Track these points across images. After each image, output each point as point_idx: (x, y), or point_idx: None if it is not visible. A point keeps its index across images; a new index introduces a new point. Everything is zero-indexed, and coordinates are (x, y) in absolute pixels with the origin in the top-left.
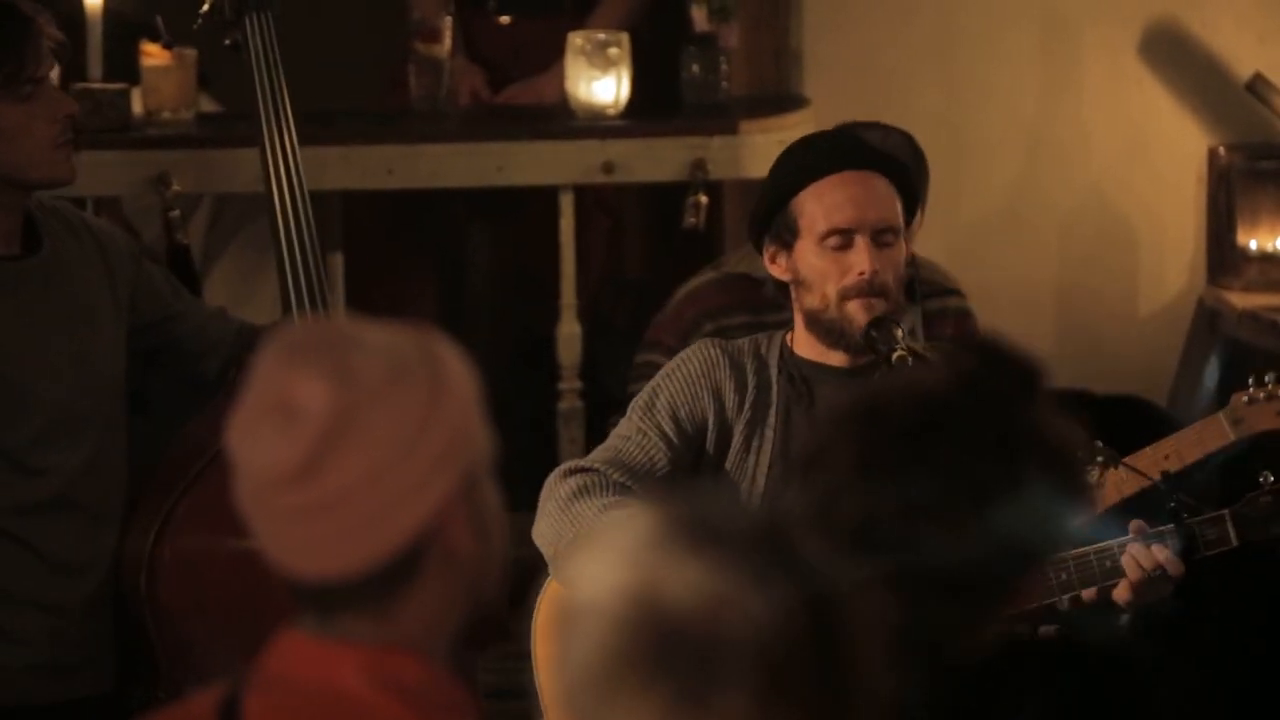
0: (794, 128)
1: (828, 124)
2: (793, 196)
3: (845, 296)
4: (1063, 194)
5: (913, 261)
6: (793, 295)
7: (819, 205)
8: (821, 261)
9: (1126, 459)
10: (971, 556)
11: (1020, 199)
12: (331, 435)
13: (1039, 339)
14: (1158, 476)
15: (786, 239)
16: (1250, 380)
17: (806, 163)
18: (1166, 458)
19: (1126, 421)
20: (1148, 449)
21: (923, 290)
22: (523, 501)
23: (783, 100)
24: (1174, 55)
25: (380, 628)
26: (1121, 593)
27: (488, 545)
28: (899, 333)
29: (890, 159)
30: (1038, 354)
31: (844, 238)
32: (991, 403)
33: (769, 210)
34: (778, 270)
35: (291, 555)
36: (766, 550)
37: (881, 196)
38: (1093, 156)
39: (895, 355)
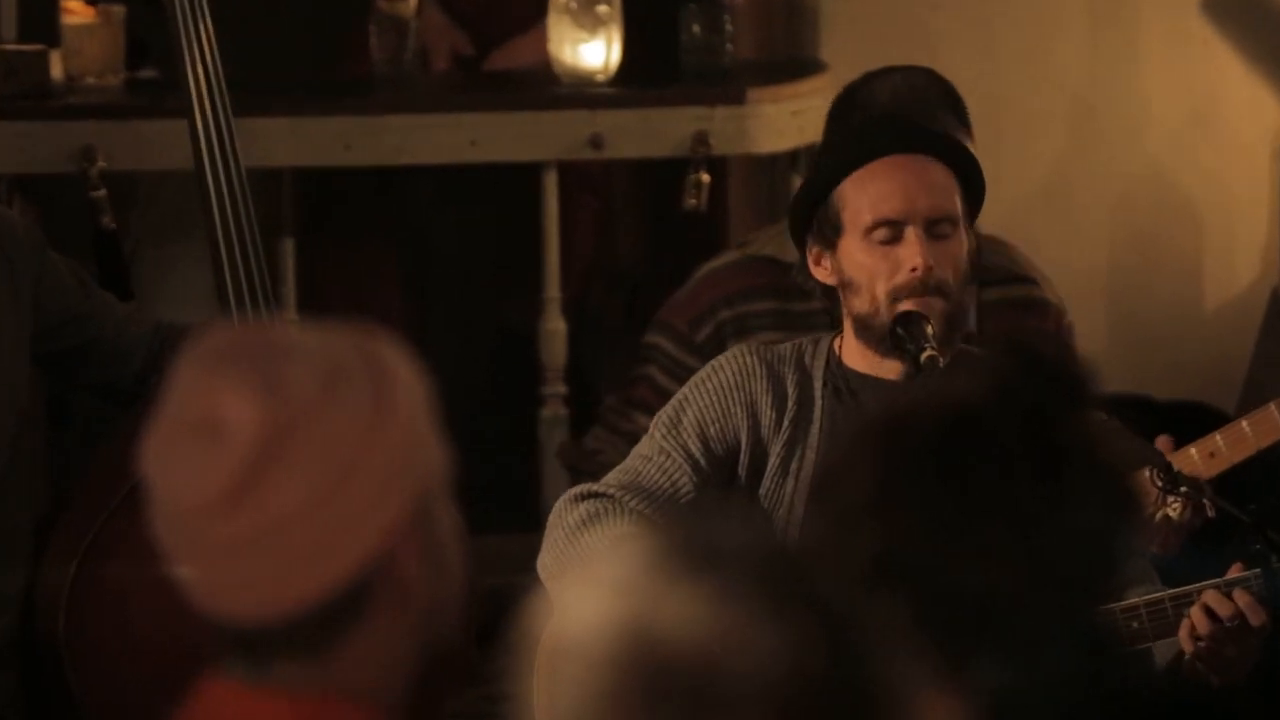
0: (809, 95)
1: None
2: (834, 188)
3: (897, 297)
4: (1116, 172)
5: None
6: (841, 301)
7: (863, 195)
8: (869, 258)
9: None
10: (1009, 588)
11: (1067, 178)
12: (262, 457)
13: (1089, 337)
14: (1204, 478)
15: (829, 236)
16: None
17: (847, 149)
18: (1213, 455)
19: (1191, 432)
20: (1192, 446)
21: (982, 276)
22: (503, 523)
23: (796, 64)
24: (1244, 11)
25: (321, 674)
26: (1185, 645)
27: (444, 577)
28: (929, 329)
29: (948, 140)
30: (1086, 356)
31: (893, 230)
32: (1030, 414)
33: (809, 205)
34: (822, 274)
35: (218, 594)
36: (775, 579)
37: (935, 182)
38: (1151, 129)
39: (924, 355)
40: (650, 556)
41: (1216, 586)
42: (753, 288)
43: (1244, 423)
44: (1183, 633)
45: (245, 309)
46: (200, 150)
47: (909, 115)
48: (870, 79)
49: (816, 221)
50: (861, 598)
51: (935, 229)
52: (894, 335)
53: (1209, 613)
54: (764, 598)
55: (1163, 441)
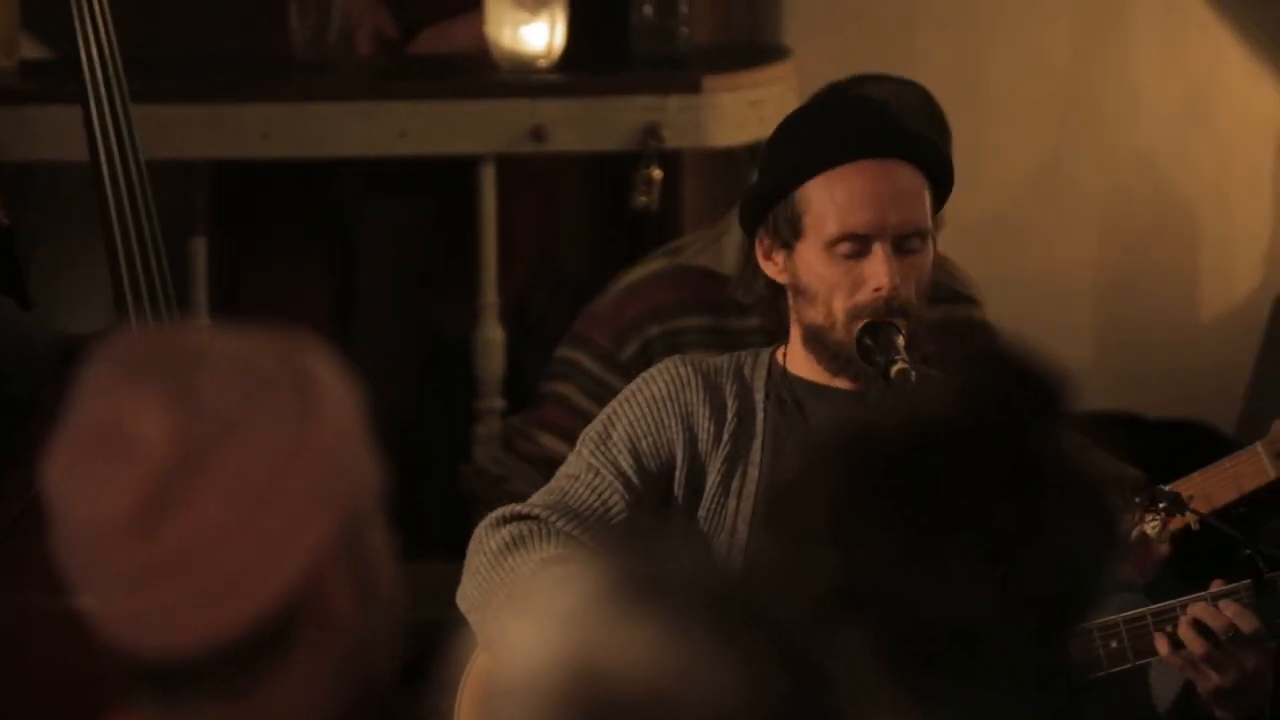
0: (769, 84)
1: (812, 81)
2: (798, 185)
3: (857, 315)
4: (1105, 169)
5: None
6: (789, 302)
7: (830, 202)
8: (829, 270)
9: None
10: (979, 616)
11: (1052, 175)
12: (175, 474)
13: (1075, 349)
14: (1223, 521)
15: (786, 236)
16: None
17: (817, 144)
18: (1191, 498)
19: (1185, 452)
20: (1192, 475)
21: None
22: (433, 548)
23: (756, 51)
24: None
25: (240, 714)
26: (1174, 659)
27: (375, 608)
28: (900, 341)
29: (923, 142)
30: (1065, 366)
31: (859, 244)
32: (1002, 428)
33: (767, 198)
34: (772, 269)
35: (126, 624)
36: (729, 609)
37: (908, 193)
38: (1142, 122)
39: (895, 368)
40: (594, 585)
41: (1203, 599)
42: (684, 302)
43: (1226, 463)
44: (1165, 649)
45: (145, 313)
46: (95, 139)
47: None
48: (861, 82)
49: (774, 215)
50: (821, 628)
51: (904, 244)
52: (861, 346)
53: (1198, 627)
54: (718, 629)
55: (1216, 584)
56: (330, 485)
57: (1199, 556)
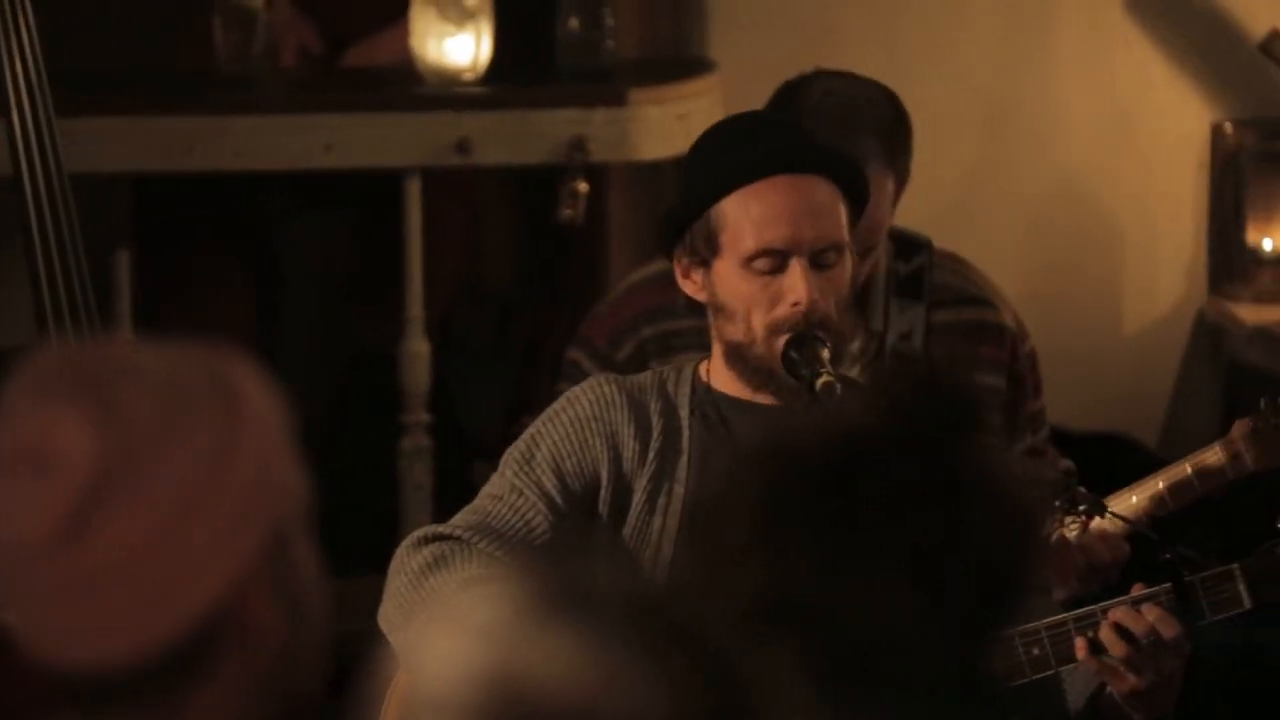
0: (696, 97)
1: (737, 94)
2: (714, 202)
3: (776, 330)
4: (1030, 183)
5: (924, 250)
6: (710, 320)
7: (746, 218)
8: (747, 286)
9: (1111, 504)
10: (902, 628)
11: (977, 189)
12: (98, 490)
13: None
14: (1144, 524)
15: (703, 253)
16: (1263, 404)
17: (731, 162)
18: (1153, 500)
19: (1108, 464)
20: (1124, 491)
21: (934, 295)
22: (358, 565)
23: (682, 63)
24: (1169, 10)
25: None
26: (1106, 677)
27: (299, 622)
28: (825, 354)
29: (837, 158)
30: (980, 381)
31: (776, 260)
32: (923, 440)
33: (684, 216)
34: (691, 288)
35: (50, 640)
36: (652, 623)
37: (824, 207)
38: (1068, 136)
39: (820, 381)
40: (516, 599)
41: (1124, 603)
42: (676, 303)
43: (1186, 464)
44: (1084, 654)
45: (67, 327)
46: (18, 152)
47: (838, 121)
48: (823, 80)
49: (691, 235)
50: (743, 641)
51: (820, 258)
52: (786, 360)
53: (1121, 631)
54: (641, 643)
55: (1136, 589)
56: (255, 499)
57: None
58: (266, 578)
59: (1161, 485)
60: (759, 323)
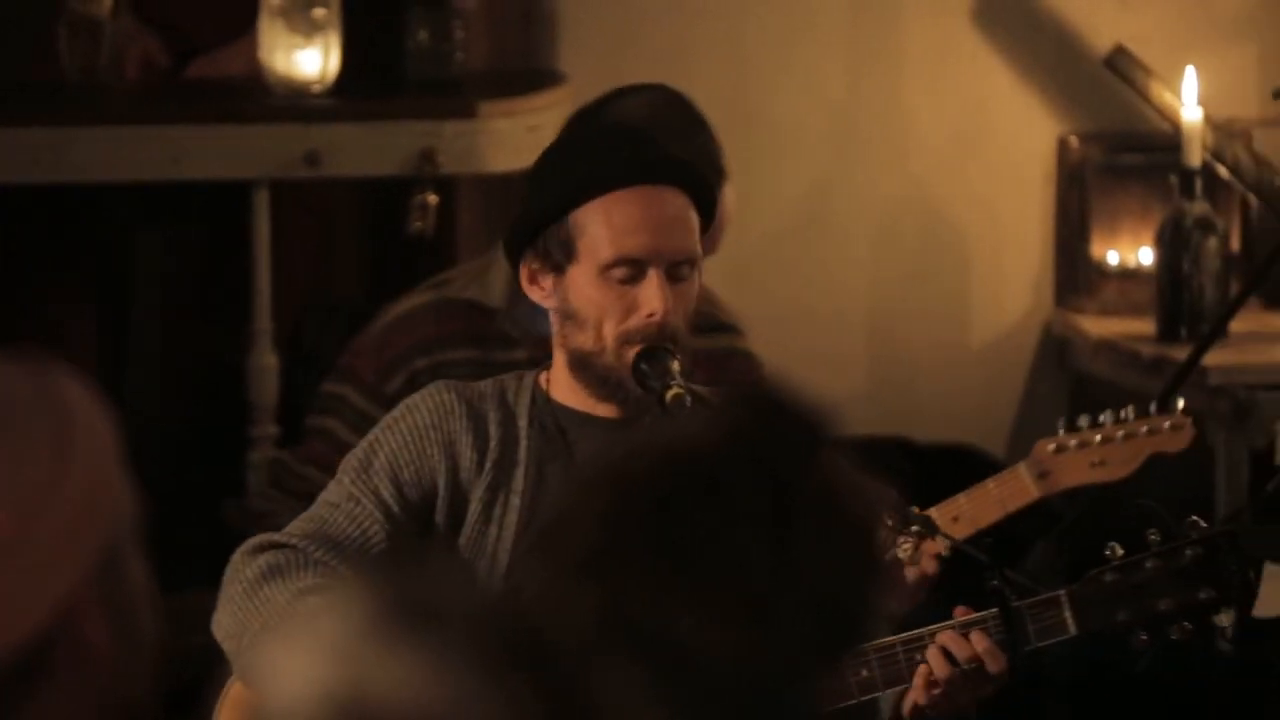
0: (546, 109)
1: None
2: (572, 209)
3: (627, 341)
4: (877, 194)
5: None
6: (554, 327)
7: (605, 226)
8: (602, 295)
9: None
10: (742, 652)
11: (825, 200)
12: None
13: (848, 376)
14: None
15: (558, 259)
16: (1060, 424)
17: (591, 169)
18: (955, 520)
19: (955, 477)
20: (933, 509)
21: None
22: (207, 575)
23: (532, 76)
24: (1015, 23)
25: None
26: (917, 694)
27: (132, 639)
28: (675, 366)
29: (692, 170)
30: (828, 401)
31: (633, 269)
32: (763, 462)
33: (538, 221)
34: (538, 294)
35: None
36: (498, 641)
37: (680, 219)
38: (914, 148)
39: (670, 394)
40: (355, 613)
41: (952, 627)
42: (451, 334)
43: (990, 484)
44: (918, 680)
45: None
46: None
47: (663, 135)
48: (621, 95)
49: (544, 239)
50: (588, 661)
51: (675, 271)
52: (637, 371)
53: (946, 655)
54: (486, 661)
55: (959, 611)
56: (85, 514)
57: (948, 582)
58: (98, 597)
59: (965, 503)
60: (610, 332)
